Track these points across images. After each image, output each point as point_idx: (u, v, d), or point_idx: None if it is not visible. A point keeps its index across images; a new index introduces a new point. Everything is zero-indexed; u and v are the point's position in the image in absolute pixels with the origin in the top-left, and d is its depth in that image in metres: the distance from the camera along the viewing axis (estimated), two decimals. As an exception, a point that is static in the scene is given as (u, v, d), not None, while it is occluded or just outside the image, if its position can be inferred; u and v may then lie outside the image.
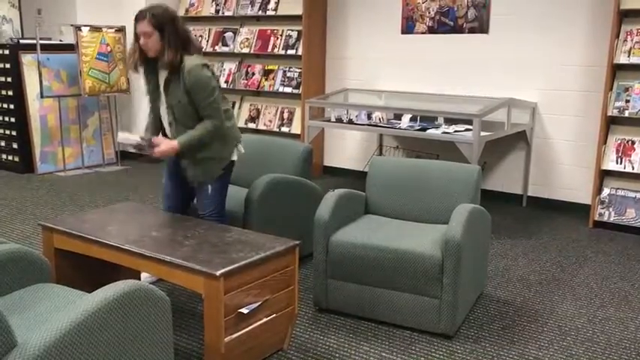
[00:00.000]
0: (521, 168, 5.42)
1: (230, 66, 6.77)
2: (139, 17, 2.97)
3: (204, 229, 2.91)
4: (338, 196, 3.21)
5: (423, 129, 4.82)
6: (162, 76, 3.05)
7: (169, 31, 2.94)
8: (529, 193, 5.41)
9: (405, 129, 4.86)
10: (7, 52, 6.23)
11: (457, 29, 5.50)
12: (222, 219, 3.30)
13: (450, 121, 4.95)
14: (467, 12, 5.46)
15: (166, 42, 2.93)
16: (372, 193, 3.50)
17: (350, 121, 5.20)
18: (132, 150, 3.20)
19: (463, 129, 4.74)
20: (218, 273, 2.34)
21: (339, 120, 5.29)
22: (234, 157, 3.27)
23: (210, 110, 3.03)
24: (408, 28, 5.78)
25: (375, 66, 6.02)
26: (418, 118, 5.02)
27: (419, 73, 5.74)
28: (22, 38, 6.67)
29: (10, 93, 6.26)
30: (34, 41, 6.13)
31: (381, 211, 3.46)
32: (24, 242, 4.25)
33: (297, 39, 6.20)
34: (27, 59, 6.24)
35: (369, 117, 5.31)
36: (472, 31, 5.44)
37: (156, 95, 3.16)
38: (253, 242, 2.72)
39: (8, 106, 6.31)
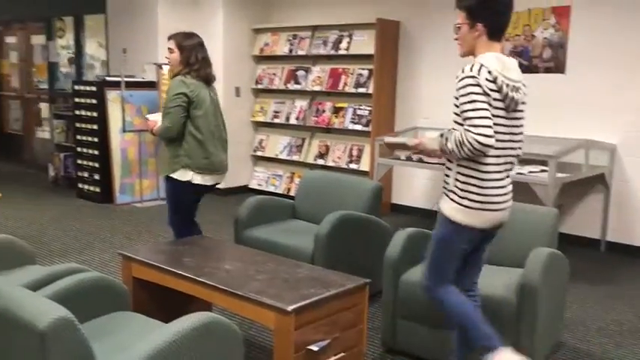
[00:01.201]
0: (599, 211, 5.20)
1: (301, 103, 6.92)
2: (170, 37, 3.77)
3: (276, 264, 2.95)
4: (408, 234, 3.18)
5: (496, 169, 4.73)
6: None
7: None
8: (608, 238, 5.17)
9: (476, 169, 4.79)
10: (94, 88, 6.63)
11: (532, 69, 5.42)
12: (171, 226, 3.81)
13: (523, 161, 4.84)
14: (542, 52, 5.38)
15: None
16: (443, 233, 3.45)
17: (420, 160, 5.18)
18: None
19: (538, 170, 4.62)
20: (289, 308, 2.36)
21: (409, 158, 5.28)
22: (183, 178, 3.61)
23: (165, 111, 3.58)
24: (480, 67, 5.73)
25: (446, 105, 5.98)
26: (490, 157, 4.94)
27: (491, 113, 5.66)
28: (108, 75, 7.08)
29: (95, 127, 6.62)
30: (119, 78, 6.50)
31: (453, 251, 3.39)
32: (103, 270, 4.44)
33: (368, 77, 6.27)
34: (112, 95, 6.61)
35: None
36: (548, 70, 5.34)
37: None
38: (323, 279, 2.73)
39: (93, 139, 6.68)
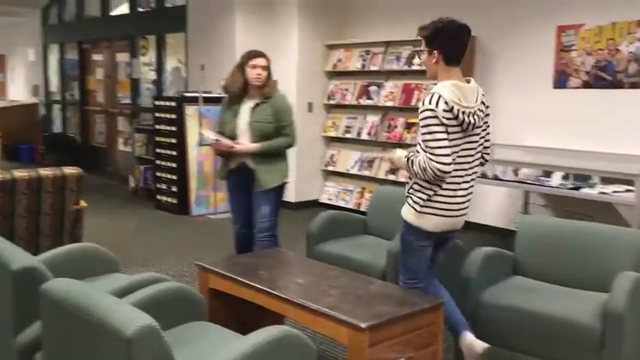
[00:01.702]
0: (690, 234, 4.89)
1: (373, 119, 6.92)
2: (259, 54, 3.86)
3: (348, 279, 2.95)
4: (485, 254, 3.11)
5: (577, 188, 4.55)
6: (253, 102, 3.82)
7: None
8: (700, 263, 4.84)
9: (556, 187, 4.62)
10: (173, 103, 6.89)
11: (616, 84, 5.19)
12: (274, 238, 3.93)
13: (606, 180, 4.64)
14: (627, 66, 5.15)
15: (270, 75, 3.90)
16: (521, 253, 3.35)
17: (495, 177, 5.05)
18: (210, 142, 3.91)
19: (623, 190, 4.41)
20: (364, 325, 2.35)
21: (483, 175, 5.16)
22: (286, 180, 3.98)
23: (289, 129, 3.86)
24: (560, 82, 5.56)
25: (522, 121, 5.84)
26: (571, 176, 4.76)
27: (571, 129, 5.47)
28: (187, 91, 7.34)
29: (174, 141, 6.87)
30: (197, 94, 6.72)
31: (531, 273, 3.28)
32: (179, 279, 4.57)
33: (442, 93, 6.20)
34: (190, 110, 6.85)
35: (516, 173, 5.14)
36: (633, 86, 5.10)
37: (231, 117, 3.89)
38: (397, 296, 2.70)
39: (171, 152, 6.93)
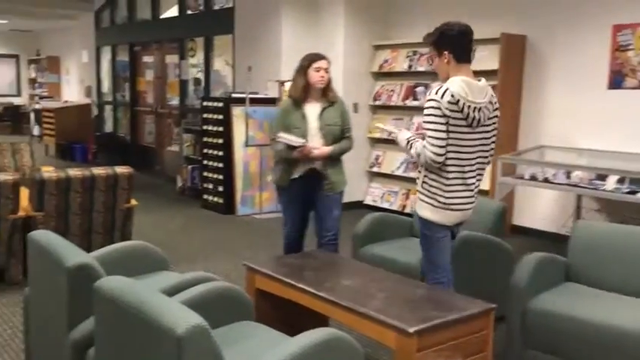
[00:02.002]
0: None
1: (419, 120, 6.84)
2: (322, 57, 3.83)
3: (395, 282, 2.92)
4: (537, 260, 3.03)
5: (633, 192, 4.39)
6: (317, 105, 3.80)
7: None
8: None
9: (611, 191, 4.47)
10: (221, 104, 6.98)
11: (676, 84, 4.99)
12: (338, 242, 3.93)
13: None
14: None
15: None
16: (575, 259, 3.25)
17: (546, 180, 4.93)
18: (290, 145, 3.74)
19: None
20: (412, 330, 2.32)
21: (533, 178, 5.04)
22: None
23: (350, 132, 3.91)
24: (615, 82, 5.37)
25: (575, 122, 5.67)
26: (627, 179, 4.59)
27: (627, 131, 5.28)
28: (234, 92, 7.43)
29: (221, 141, 6.96)
30: (244, 95, 6.79)
31: (586, 280, 3.18)
32: (226, 278, 4.61)
33: (491, 94, 6.08)
34: (236, 111, 6.92)
35: (568, 176, 4.99)
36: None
37: (300, 121, 3.81)
38: (446, 301, 2.66)
39: (218, 152, 7.02)
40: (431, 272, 3.08)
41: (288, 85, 6.75)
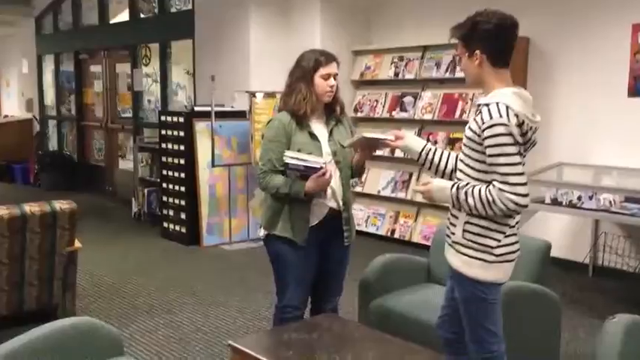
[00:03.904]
0: None
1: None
2: (332, 58, 2.82)
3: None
4: (626, 326, 2.27)
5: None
6: (323, 123, 2.85)
7: None
8: None
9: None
10: (181, 119, 6.07)
11: None
12: None
13: None
14: None
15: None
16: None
17: (571, 204, 4.24)
18: (298, 168, 2.70)
19: None
20: None
21: (555, 201, 4.34)
22: None
23: None
24: (637, 89, 4.75)
25: (589, 135, 5.02)
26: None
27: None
28: (196, 105, 6.54)
29: (182, 161, 6.05)
30: (208, 108, 5.91)
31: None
32: (197, 333, 3.73)
33: (492, 104, 5.39)
34: (200, 127, 6.03)
35: (590, 198, 4.32)
36: None
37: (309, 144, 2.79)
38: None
39: (179, 174, 6.10)
40: (483, 343, 2.32)
41: (259, 97, 5.95)
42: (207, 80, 6.76)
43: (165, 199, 6.32)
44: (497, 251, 2.21)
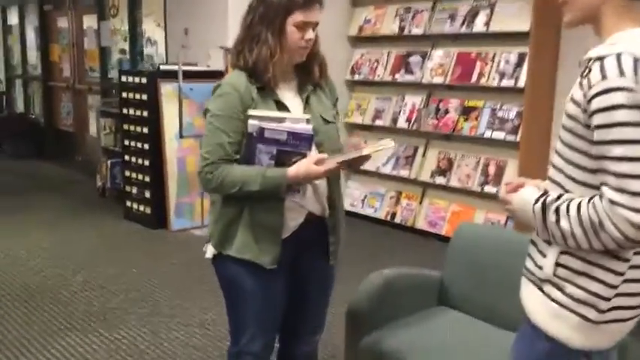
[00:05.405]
0: None
1: (414, 100, 5.16)
2: (314, 0, 1.86)
3: None
4: None
5: None
6: (294, 89, 1.96)
7: None
8: None
9: None
10: (144, 80, 5.11)
11: None
12: None
13: None
14: None
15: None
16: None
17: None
18: (279, 138, 1.81)
19: None
20: None
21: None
22: None
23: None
24: None
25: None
26: None
27: None
28: (164, 64, 5.57)
29: (146, 130, 5.12)
30: (176, 67, 4.95)
31: None
32: (153, 344, 2.89)
33: (518, 65, 4.44)
34: (167, 89, 5.08)
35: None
36: None
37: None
38: None
39: (142, 146, 5.18)
40: None
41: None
42: (180, 35, 5.82)
43: (127, 173, 5.41)
44: (603, 305, 1.31)
